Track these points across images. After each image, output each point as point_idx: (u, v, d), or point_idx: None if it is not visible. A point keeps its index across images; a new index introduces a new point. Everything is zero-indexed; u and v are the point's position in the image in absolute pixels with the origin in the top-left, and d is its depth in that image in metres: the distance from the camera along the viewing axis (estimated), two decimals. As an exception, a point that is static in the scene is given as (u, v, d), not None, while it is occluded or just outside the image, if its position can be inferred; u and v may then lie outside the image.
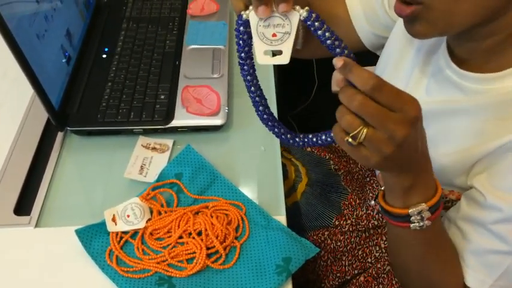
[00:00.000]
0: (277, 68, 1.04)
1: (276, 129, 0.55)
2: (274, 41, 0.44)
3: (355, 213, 0.85)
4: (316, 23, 0.43)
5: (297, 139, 0.54)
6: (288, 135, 0.55)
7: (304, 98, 1.70)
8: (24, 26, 0.71)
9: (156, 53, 0.91)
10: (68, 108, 0.81)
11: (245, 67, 0.49)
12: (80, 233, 0.66)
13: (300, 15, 0.43)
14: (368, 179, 0.88)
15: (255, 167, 0.77)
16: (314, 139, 0.52)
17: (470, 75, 0.57)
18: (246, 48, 0.47)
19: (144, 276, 0.63)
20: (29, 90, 0.87)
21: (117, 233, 0.67)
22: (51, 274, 0.65)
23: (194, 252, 0.65)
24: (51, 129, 0.82)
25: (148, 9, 1.00)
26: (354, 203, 0.86)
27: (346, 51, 0.44)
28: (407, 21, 0.53)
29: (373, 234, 0.84)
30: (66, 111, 0.80)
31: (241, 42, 0.47)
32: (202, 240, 0.66)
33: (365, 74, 0.42)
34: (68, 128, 0.80)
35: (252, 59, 0.49)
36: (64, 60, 0.84)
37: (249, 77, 0.50)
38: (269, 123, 0.54)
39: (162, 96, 0.83)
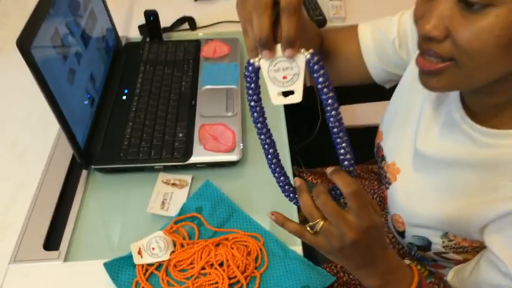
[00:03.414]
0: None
1: (281, 178, 0.55)
2: (286, 83, 0.47)
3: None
4: (315, 66, 0.46)
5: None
6: (290, 189, 0.56)
7: (307, 134, 1.74)
8: (55, 69, 0.76)
9: (173, 94, 0.96)
10: (92, 147, 0.86)
11: (257, 108, 0.50)
12: (108, 265, 0.69)
13: (305, 57, 0.46)
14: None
15: (270, 199, 0.81)
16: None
17: (483, 130, 0.57)
18: (258, 91, 0.49)
19: (170, 306, 0.66)
20: (52, 132, 0.93)
21: (142, 265, 0.70)
22: (80, 306, 0.68)
23: (217, 283, 0.68)
24: (75, 168, 0.86)
25: (163, 53, 1.06)
26: None
27: (331, 94, 0.47)
28: (426, 74, 0.53)
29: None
30: (90, 150, 0.85)
31: (253, 85, 0.48)
32: (224, 270, 0.69)
33: (348, 179, 0.51)
34: (93, 166, 0.84)
35: (261, 101, 0.50)
36: (87, 102, 0.89)
37: (260, 118, 0.50)
38: (276, 173, 0.55)
39: (181, 135, 0.88)
